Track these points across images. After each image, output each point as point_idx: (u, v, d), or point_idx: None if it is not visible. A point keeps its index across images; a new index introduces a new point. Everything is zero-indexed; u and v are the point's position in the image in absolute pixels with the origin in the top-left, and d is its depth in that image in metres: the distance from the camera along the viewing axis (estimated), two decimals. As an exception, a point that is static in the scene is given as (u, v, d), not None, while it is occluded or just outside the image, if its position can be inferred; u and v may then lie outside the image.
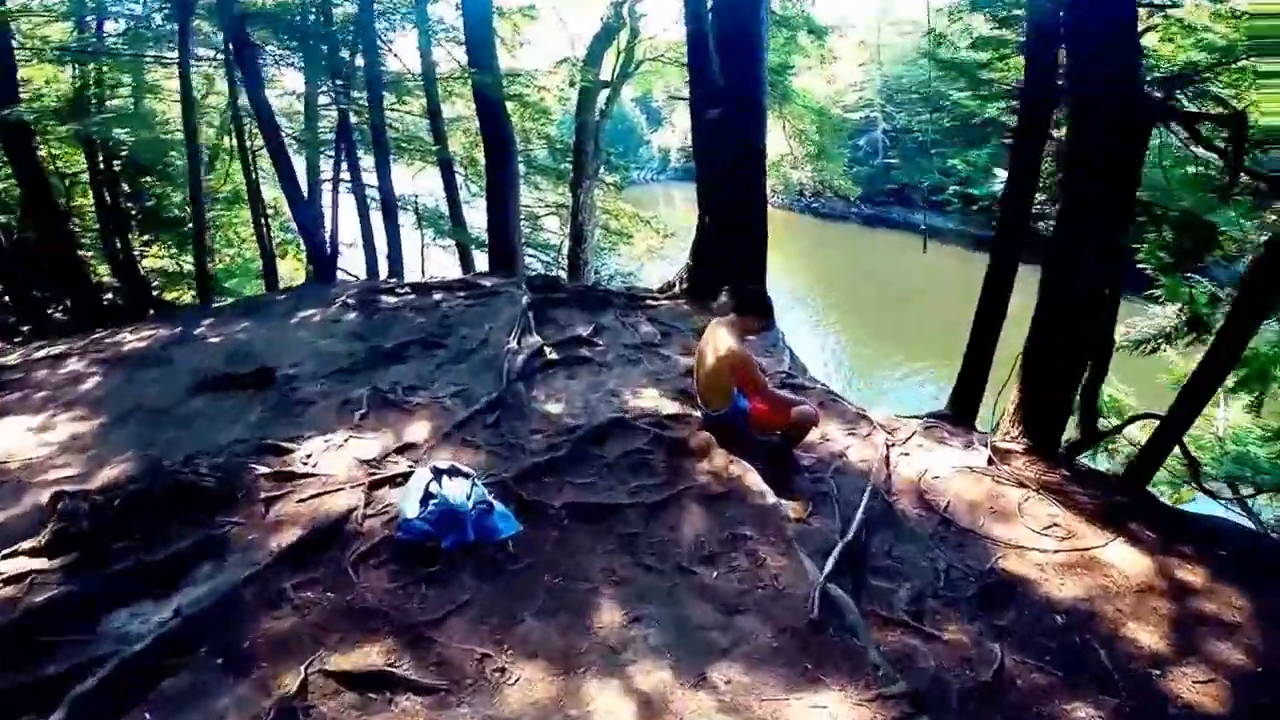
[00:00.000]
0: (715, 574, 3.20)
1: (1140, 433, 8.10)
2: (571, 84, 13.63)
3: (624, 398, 5.02)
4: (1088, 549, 3.66)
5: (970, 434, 5.40)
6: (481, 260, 12.03)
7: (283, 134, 9.55)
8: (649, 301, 7.56)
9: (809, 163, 13.84)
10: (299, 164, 10.32)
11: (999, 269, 5.36)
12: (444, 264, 15.37)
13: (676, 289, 7.83)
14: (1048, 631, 3.04)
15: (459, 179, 16.32)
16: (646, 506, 3.59)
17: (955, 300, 27.32)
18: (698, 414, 4.64)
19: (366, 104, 9.20)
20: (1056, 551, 3.65)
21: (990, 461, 4.71)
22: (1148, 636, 3.00)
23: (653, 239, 18.60)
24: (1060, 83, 4.64)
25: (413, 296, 7.21)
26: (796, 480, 4.22)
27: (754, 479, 3.86)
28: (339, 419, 4.44)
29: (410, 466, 3.78)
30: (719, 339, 3.89)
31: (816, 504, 3.92)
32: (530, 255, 17.93)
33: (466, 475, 3.26)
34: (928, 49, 6.36)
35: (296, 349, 5.76)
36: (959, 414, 5.78)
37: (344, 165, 10.34)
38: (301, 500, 3.53)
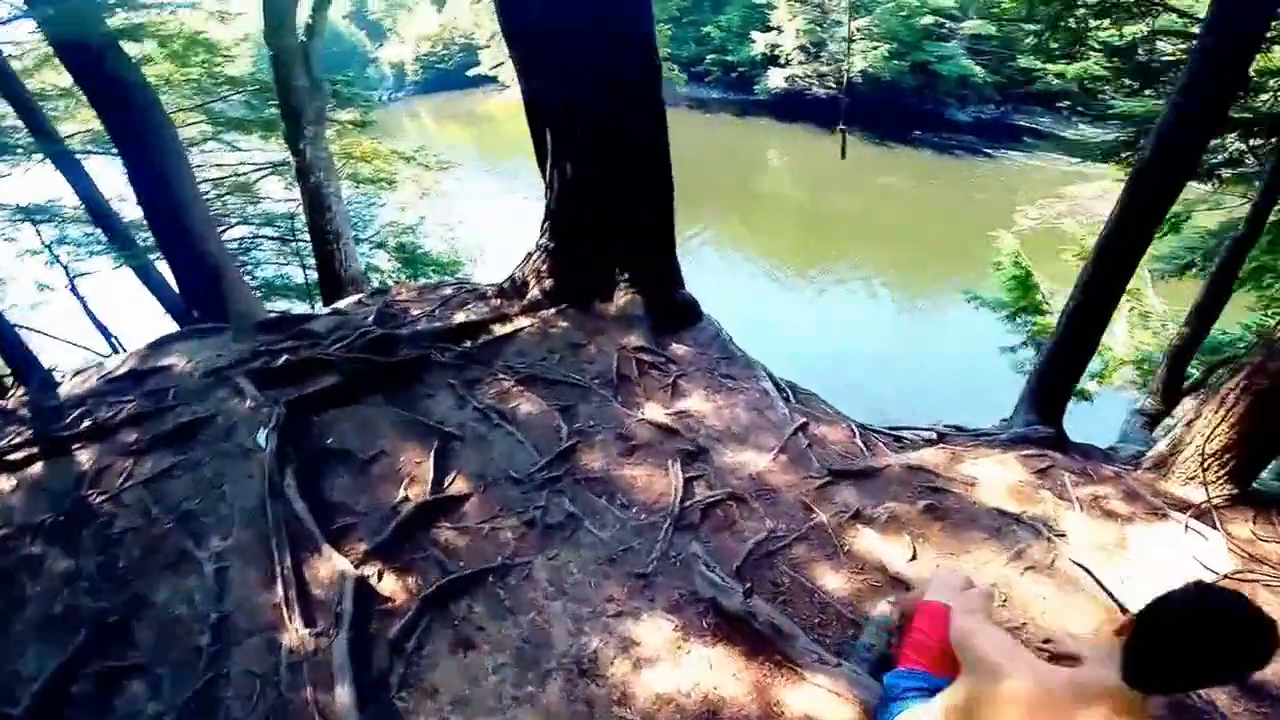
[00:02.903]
0: None
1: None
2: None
3: (618, 682, 2.19)
4: None
5: (1114, 472, 3.45)
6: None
7: None
8: (495, 328, 4.41)
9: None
10: None
11: (1146, 208, 3.14)
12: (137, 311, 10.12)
13: (534, 291, 4.70)
14: None
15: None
16: None
17: (731, 166, 27.14)
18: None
19: None
20: None
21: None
22: None
23: (425, 176, 14.31)
24: None
25: (41, 469, 3.37)
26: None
27: None
28: None
29: None
30: None
31: None
32: (252, 235, 12.95)
33: None
34: None
35: None
36: (1054, 425, 3.78)
37: None
38: None
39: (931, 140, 26.05)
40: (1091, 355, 3.69)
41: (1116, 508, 3.18)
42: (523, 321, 4.47)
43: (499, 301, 4.86)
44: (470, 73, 37.44)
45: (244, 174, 12.63)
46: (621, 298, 4.44)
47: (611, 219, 4.37)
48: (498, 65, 37.14)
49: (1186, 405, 3.43)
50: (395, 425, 3.54)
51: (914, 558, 2.78)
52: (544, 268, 4.68)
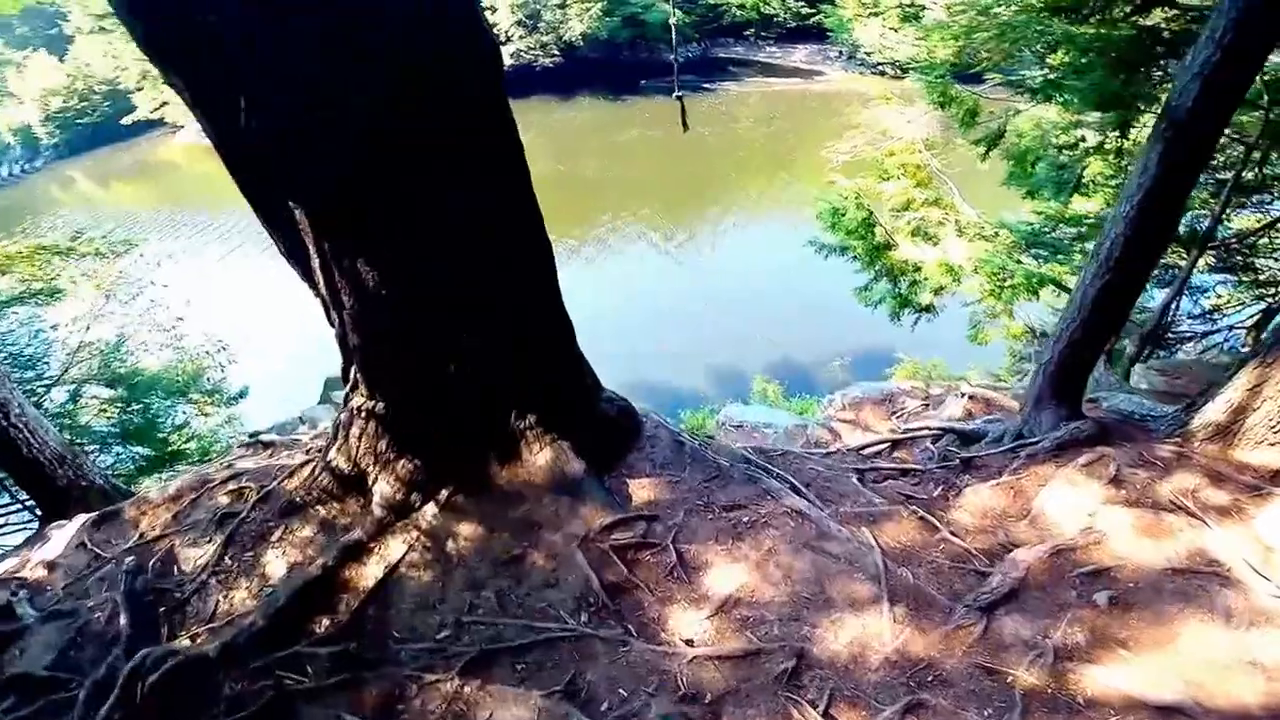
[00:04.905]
0: None
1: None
2: None
3: None
4: None
5: (1174, 451, 3.02)
6: None
7: None
8: (354, 575, 2.64)
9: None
10: None
11: (1187, 161, 2.49)
12: None
13: (384, 485, 2.84)
14: None
15: None
16: None
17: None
18: None
19: None
20: None
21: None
22: None
23: (103, 270, 10.23)
24: None
25: None
26: None
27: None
28: None
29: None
30: None
31: None
32: None
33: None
34: None
35: None
36: (1076, 406, 3.23)
37: None
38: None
39: (658, 86, 26.42)
40: (1118, 331, 3.15)
41: (1216, 499, 2.78)
42: (395, 547, 2.71)
43: (326, 510, 2.97)
44: (127, 120, 29.63)
45: None
46: (538, 452, 2.85)
47: (469, 328, 2.65)
48: (160, 106, 29.66)
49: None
50: None
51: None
52: (384, 445, 2.83)
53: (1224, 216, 5.66)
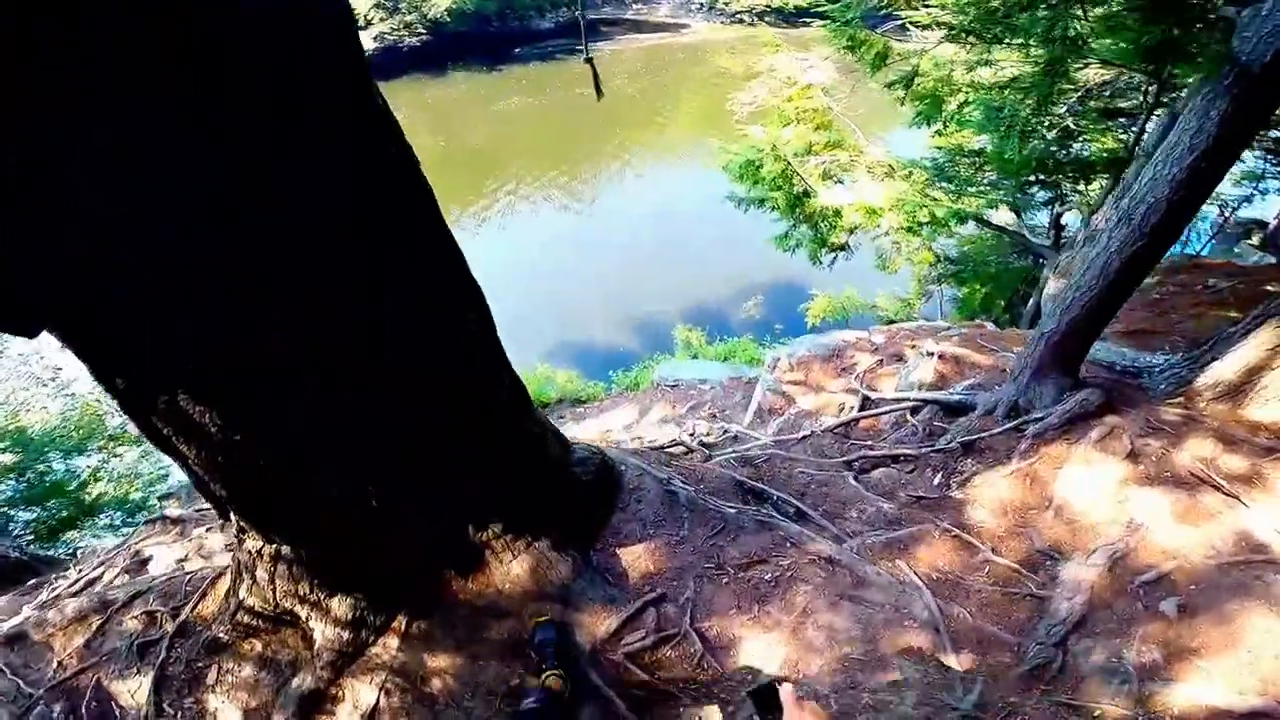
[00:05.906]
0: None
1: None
2: None
3: None
4: None
5: (1181, 415, 2.85)
6: None
7: None
8: None
9: None
10: None
11: (1255, 112, 2.14)
12: None
13: (327, 628, 2.12)
14: None
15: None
16: None
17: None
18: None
19: None
20: None
21: None
22: None
23: None
24: None
25: None
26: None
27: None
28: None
29: None
30: None
31: None
32: None
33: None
34: None
35: None
36: (1075, 372, 2.97)
37: None
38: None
39: (534, 53, 24.95)
40: (1125, 298, 2.84)
41: (1234, 466, 2.58)
42: (364, 693, 2.11)
43: (263, 644, 2.29)
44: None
45: None
46: (511, 561, 2.20)
47: (378, 443, 1.86)
48: None
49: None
50: None
51: None
52: (306, 587, 2.16)
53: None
